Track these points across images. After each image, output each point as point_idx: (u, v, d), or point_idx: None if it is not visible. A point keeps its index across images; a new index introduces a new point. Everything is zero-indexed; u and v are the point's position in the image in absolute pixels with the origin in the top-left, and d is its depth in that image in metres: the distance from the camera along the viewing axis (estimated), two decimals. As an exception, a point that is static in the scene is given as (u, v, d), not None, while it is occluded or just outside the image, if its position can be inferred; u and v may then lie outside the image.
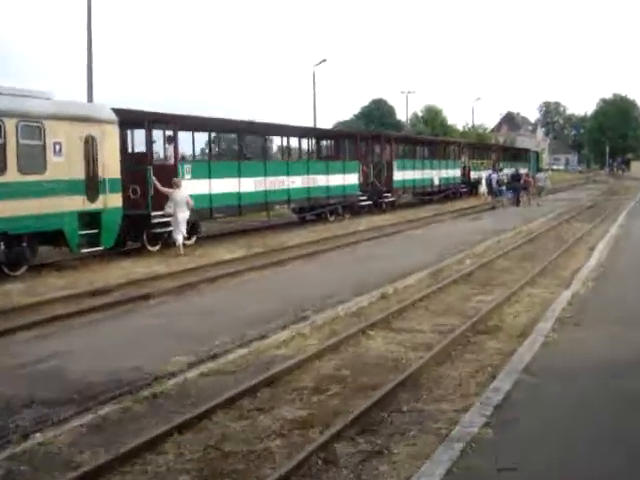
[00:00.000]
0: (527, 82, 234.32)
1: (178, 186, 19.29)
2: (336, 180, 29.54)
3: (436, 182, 41.30)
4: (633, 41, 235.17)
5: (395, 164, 35.51)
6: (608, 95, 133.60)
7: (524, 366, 7.59)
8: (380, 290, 13.01)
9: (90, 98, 29.56)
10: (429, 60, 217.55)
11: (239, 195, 23.33)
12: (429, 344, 9.23)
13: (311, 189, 27.75)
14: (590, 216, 30.29)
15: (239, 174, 23.32)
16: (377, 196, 33.94)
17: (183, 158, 22.25)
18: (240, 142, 24.68)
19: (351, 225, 28.09)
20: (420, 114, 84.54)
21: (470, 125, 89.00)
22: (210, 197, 21.83)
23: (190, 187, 20.75)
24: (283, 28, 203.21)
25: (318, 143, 32.87)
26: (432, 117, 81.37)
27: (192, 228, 21.53)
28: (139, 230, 19.85)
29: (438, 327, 10.29)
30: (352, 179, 30.98)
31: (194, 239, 21.79)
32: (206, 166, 22.18)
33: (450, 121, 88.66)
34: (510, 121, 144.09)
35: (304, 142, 30.18)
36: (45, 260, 18.49)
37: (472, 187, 45.20)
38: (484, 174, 42.01)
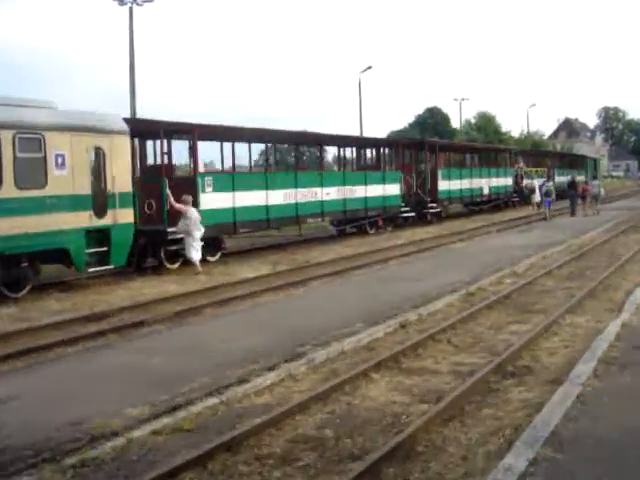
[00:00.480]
0: (585, 87, 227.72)
1: (187, 204, 18.03)
2: (375, 191, 27.95)
3: (485, 191, 39.29)
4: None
5: (440, 173, 33.73)
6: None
7: (550, 431, 5.91)
8: (401, 318, 11.39)
9: (133, 111, 28.73)
10: (484, 66, 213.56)
11: (267, 208, 21.94)
12: (441, 392, 7.59)
13: (347, 201, 26.21)
14: (650, 227, 28.01)
15: (267, 186, 21.95)
16: (421, 207, 32.22)
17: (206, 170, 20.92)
18: (269, 152, 23.22)
19: (391, 238, 26.53)
20: (473, 121, 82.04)
21: (525, 132, 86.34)
22: (234, 211, 20.48)
23: (211, 201, 19.52)
24: (332, 35, 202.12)
25: (358, 152, 31.34)
26: (485, 124, 78.79)
27: (215, 244, 20.28)
28: (155, 247, 18.63)
29: (457, 367, 8.64)
30: (393, 189, 29.34)
31: (218, 256, 20.51)
32: (229, 178, 20.83)
33: (505, 128, 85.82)
34: (568, 127, 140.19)
35: (344, 151, 28.80)
36: (53, 279, 17.46)
37: (525, 196, 42.92)
38: (537, 183, 39.70)
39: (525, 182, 43.30)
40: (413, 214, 31.23)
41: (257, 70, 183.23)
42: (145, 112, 29.27)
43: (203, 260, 19.95)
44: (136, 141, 19.68)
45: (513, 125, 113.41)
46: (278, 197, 22.46)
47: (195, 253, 18.05)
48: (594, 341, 9.19)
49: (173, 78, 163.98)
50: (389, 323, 11.05)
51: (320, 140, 26.05)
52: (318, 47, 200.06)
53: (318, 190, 24.51)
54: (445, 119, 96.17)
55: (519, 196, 43.83)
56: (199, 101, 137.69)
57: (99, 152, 16.68)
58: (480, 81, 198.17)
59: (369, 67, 50.59)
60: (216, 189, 19.79)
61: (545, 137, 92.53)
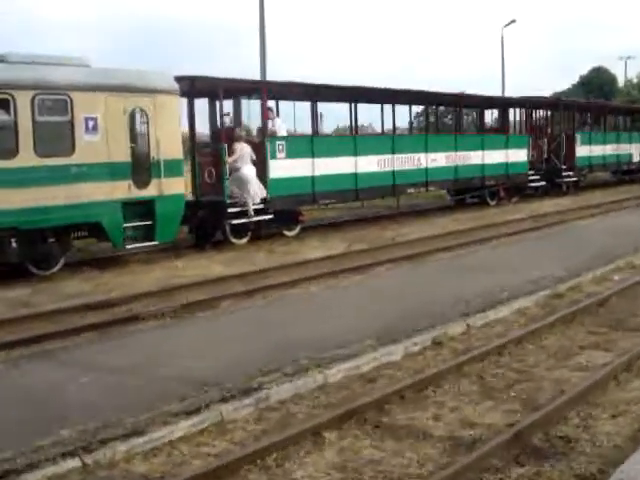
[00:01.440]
0: None
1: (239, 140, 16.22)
2: (496, 157, 24.51)
3: (636, 158, 34.37)
4: None
5: (578, 137, 29.46)
6: None
7: None
8: (438, 331, 8.58)
9: (263, 74, 26.87)
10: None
11: (355, 177, 19.32)
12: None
13: (459, 168, 23.01)
14: None
15: (355, 152, 19.30)
16: (555, 175, 28.28)
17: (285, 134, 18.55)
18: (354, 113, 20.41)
19: (511, 211, 23.17)
20: (635, 80, 74.04)
21: None
22: (312, 180, 18.04)
23: (284, 168, 17.23)
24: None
25: (480, 113, 27.80)
26: (647, 83, 70.89)
27: (292, 217, 18.04)
28: (217, 220, 16.62)
29: (461, 432, 5.78)
30: (519, 156, 25.72)
31: (297, 230, 18.26)
32: (307, 142, 18.36)
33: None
34: None
35: (460, 113, 25.50)
36: (98, 255, 15.91)
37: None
38: None
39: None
40: (543, 183, 27.39)
41: (384, 29, 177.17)
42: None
43: (279, 234, 17.87)
44: (204, 102, 17.71)
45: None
46: (369, 164, 19.74)
47: (250, 200, 16.24)
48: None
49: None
50: (418, 339, 8.27)
51: (426, 99, 22.80)
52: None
53: (422, 156, 21.52)
54: (612, 80, 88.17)
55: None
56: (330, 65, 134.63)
57: (141, 114, 14.79)
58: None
59: (513, 21, 46.05)
60: (290, 155, 17.40)
61: None
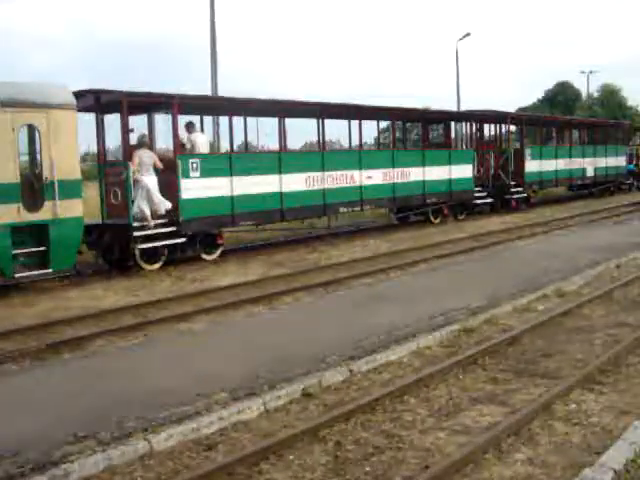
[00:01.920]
0: None
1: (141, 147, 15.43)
2: (438, 173, 23.50)
3: (589, 173, 33.65)
4: None
5: (528, 152, 28.63)
6: None
7: None
8: (315, 379, 7.38)
9: (215, 90, 25.69)
10: (614, 36, 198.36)
11: (280, 196, 18.15)
12: None
13: (398, 185, 21.96)
14: None
15: (280, 169, 18.15)
16: (504, 192, 27.37)
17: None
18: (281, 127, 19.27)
19: (454, 230, 22.18)
20: (595, 95, 73.91)
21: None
22: (232, 200, 16.83)
23: (200, 188, 16.05)
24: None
25: (424, 128, 26.84)
26: (607, 97, 70.71)
27: (210, 241, 16.83)
28: (124, 245, 15.34)
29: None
30: (464, 172, 24.74)
31: (216, 254, 17.03)
32: (225, 160, 17.15)
33: (634, 102, 77.14)
34: None
35: (404, 127, 24.48)
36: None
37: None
38: None
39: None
40: (490, 200, 26.44)
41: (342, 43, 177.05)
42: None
43: (198, 259, 16.64)
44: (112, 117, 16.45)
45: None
46: (296, 182, 18.59)
47: (147, 209, 15.13)
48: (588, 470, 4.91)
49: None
50: (284, 391, 7.04)
51: (360, 113, 21.65)
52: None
53: (355, 173, 20.43)
54: (577, 94, 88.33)
55: (636, 179, 37.73)
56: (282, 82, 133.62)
57: (33, 131, 13.56)
58: (615, 51, 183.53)
59: (467, 34, 45.27)
60: (205, 174, 16.18)
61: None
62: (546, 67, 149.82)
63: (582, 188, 34.94)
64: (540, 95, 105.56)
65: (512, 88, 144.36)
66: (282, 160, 18.24)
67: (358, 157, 20.75)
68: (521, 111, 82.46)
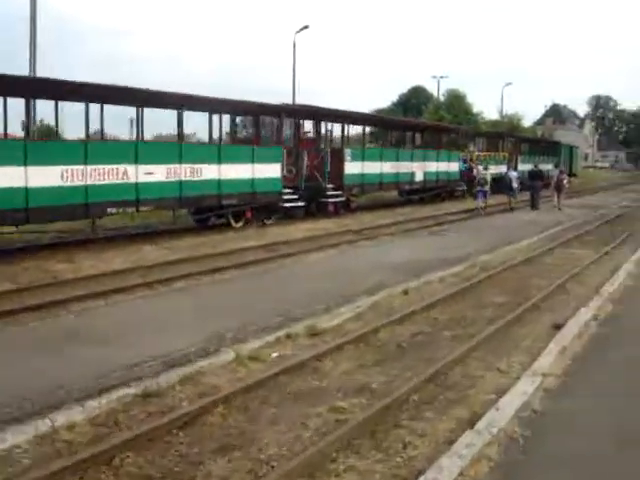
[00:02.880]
0: (578, 75, 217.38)
1: None
2: (238, 172, 20.55)
3: (418, 178, 31.86)
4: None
5: (348, 153, 26.29)
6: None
7: None
8: None
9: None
10: (467, 45, 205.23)
11: (26, 192, 14.55)
12: None
13: (186, 184, 18.69)
14: (605, 235, 20.79)
15: (25, 161, 14.54)
16: (320, 195, 24.87)
17: None
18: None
19: (252, 237, 19.35)
20: (442, 99, 73.99)
21: (502, 114, 78.65)
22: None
23: None
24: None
25: (233, 120, 23.86)
26: (452, 103, 70.88)
27: None
28: None
29: None
30: (270, 171, 21.91)
31: None
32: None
33: (478, 109, 78.17)
34: (555, 114, 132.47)
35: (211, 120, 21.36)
36: None
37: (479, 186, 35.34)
38: (515, 174, 31.72)
39: (478, 170, 35.64)
40: (302, 204, 23.84)
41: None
42: None
43: None
44: None
45: (492, 108, 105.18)
46: (48, 177, 15.09)
47: None
48: None
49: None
50: None
51: (134, 99, 18.19)
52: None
53: (129, 168, 17.11)
54: (428, 98, 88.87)
55: (468, 185, 36.47)
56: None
57: None
58: (464, 60, 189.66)
59: (305, 27, 42.94)
60: None
61: (522, 121, 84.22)
62: (404, 73, 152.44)
63: (413, 193, 33.20)
64: (395, 99, 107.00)
65: (372, 92, 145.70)
66: (29, 151, 14.70)
67: (134, 149, 17.44)
68: (376, 112, 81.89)
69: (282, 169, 22.47)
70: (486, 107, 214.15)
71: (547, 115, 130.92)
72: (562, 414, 6.00)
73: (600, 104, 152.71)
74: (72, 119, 18.32)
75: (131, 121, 18.95)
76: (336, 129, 28.06)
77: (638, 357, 7.87)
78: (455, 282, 12.87)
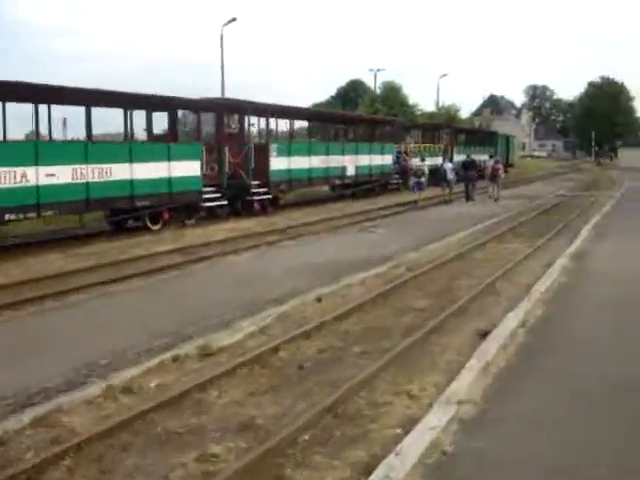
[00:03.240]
0: (514, 65, 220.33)
1: None
2: (152, 171, 19.19)
3: (350, 172, 30.85)
4: (624, 21, 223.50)
5: (274, 148, 25.10)
6: (596, 78, 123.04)
7: None
8: None
9: None
10: (405, 38, 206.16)
11: None
12: None
13: (93, 185, 17.30)
14: (540, 227, 20.08)
15: None
16: (244, 193, 23.61)
17: None
18: None
19: (168, 240, 18.02)
20: (378, 92, 73.23)
21: (439, 105, 78.27)
22: None
23: None
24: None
25: (149, 118, 22.44)
26: (388, 95, 70.21)
27: None
28: None
29: None
30: (189, 169, 20.59)
31: None
32: None
33: (414, 101, 77.66)
34: (493, 104, 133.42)
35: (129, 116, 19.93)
36: None
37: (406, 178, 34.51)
38: (450, 165, 30.89)
39: (413, 162, 34.69)
40: (224, 203, 22.57)
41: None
42: None
43: None
44: None
45: (430, 100, 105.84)
46: None
47: None
48: None
49: None
50: None
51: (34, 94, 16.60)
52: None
53: (29, 170, 15.65)
54: (367, 92, 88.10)
55: (402, 178, 35.66)
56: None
57: None
58: (401, 53, 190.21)
59: (233, 19, 41.49)
60: None
61: (460, 112, 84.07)
62: (344, 67, 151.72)
63: (345, 188, 32.20)
64: (334, 92, 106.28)
65: (312, 87, 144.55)
66: None
67: (34, 149, 15.98)
68: (314, 107, 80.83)
69: (202, 167, 21.20)
70: (423, 99, 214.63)
71: (485, 106, 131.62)
72: (476, 455, 4.95)
73: (537, 94, 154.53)
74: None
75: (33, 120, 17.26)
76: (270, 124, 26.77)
77: (567, 371, 6.91)
78: (377, 284, 11.85)
